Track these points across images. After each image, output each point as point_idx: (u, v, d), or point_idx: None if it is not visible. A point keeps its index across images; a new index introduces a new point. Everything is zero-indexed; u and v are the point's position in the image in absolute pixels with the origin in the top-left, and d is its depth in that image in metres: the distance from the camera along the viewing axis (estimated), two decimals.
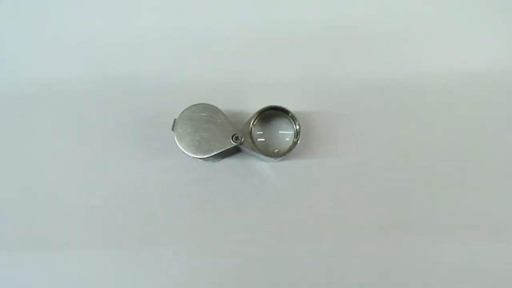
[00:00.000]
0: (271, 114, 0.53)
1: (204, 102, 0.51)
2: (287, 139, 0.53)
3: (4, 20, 0.58)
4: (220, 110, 0.51)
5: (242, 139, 0.50)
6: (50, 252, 0.54)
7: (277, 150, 0.53)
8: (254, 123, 0.52)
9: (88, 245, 0.54)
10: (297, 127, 0.52)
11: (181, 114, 0.51)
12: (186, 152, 0.50)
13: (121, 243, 0.54)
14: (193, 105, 0.51)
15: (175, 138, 0.51)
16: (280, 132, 0.54)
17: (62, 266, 0.54)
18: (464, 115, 0.55)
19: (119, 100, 0.56)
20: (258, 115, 0.52)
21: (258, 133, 0.53)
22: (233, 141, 0.50)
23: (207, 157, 0.51)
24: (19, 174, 0.55)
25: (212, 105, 0.51)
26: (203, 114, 0.51)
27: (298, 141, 0.51)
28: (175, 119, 0.51)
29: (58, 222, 0.54)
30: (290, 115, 0.52)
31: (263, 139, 0.54)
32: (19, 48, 0.57)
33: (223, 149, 0.50)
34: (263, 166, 0.55)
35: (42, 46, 0.57)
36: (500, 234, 0.53)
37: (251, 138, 0.52)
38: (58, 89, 0.56)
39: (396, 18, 0.57)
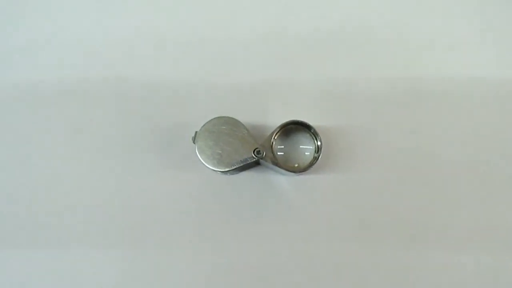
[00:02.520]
0: (292, 129, 0.53)
1: (226, 114, 0.51)
2: (307, 153, 0.53)
3: (26, 19, 0.58)
4: (241, 124, 0.51)
5: (264, 154, 0.50)
6: (64, 257, 0.54)
7: (297, 165, 0.53)
8: (276, 137, 0.52)
9: (103, 254, 0.53)
10: (319, 142, 0.51)
11: (202, 126, 0.50)
12: (207, 165, 0.50)
13: (137, 254, 0.53)
14: (215, 118, 0.51)
15: (196, 151, 0.50)
16: (300, 146, 0.53)
17: (76, 272, 0.53)
18: (487, 130, 0.55)
19: (141, 110, 0.55)
20: (280, 129, 0.52)
21: (278, 147, 0.53)
22: (255, 155, 0.50)
23: (228, 170, 0.50)
24: (36, 179, 0.55)
25: (234, 118, 0.51)
26: (225, 127, 0.51)
27: (319, 157, 0.51)
28: (196, 132, 0.51)
29: (73, 230, 0.54)
30: (312, 130, 0.51)
31: (282, 153, 0.53)
32: (40, 50, 0.57)
33: (244, 163, 0.50)
34: (282, 180, 0.54)
35: (63, 50, 0.57)
36: None
37: (272, 152, 0.51)
38: (78, 96, 0.56)
39: (419, 31, 0.57)
